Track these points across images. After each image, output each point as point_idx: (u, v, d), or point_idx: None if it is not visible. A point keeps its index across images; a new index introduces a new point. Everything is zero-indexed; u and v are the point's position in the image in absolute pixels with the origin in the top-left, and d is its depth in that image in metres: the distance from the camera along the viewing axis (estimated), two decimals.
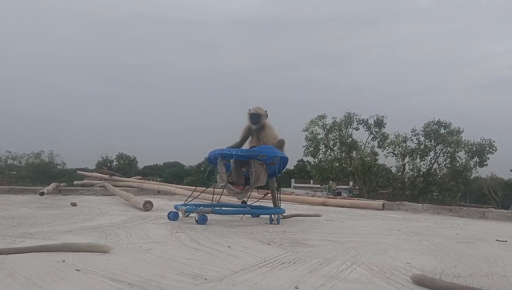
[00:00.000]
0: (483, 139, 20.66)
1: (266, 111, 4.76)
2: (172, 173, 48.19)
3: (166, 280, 1.90)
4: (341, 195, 17.27)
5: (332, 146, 22.54)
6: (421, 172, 21.03)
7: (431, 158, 21.46)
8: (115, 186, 9.17)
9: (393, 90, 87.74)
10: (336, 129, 22.33)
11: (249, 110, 4.74)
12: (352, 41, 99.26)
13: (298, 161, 42.13)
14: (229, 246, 2.84)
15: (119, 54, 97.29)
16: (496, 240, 3.71)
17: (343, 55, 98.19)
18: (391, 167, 21.90)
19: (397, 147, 21.39)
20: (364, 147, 22.44)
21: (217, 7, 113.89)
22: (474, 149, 20.52)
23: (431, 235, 3.92)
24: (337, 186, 24.20)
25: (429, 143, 21.34)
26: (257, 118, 4.67)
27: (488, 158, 20.64)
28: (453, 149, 20.81)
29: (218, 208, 4.30)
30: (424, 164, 21.40)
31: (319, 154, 22.72)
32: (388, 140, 21.83)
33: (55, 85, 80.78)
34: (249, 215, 4.63)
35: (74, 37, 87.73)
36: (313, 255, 2.63)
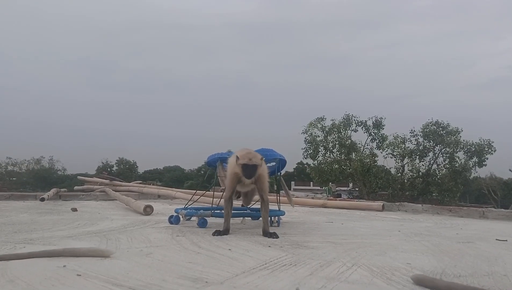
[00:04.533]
0: (482, 139, 20.73)
1: (262, 158, 3.68)
2: (173, 177, 48.20)
3: (167, 284, 1.91)
4: (341, 197, 17.28)
5: (331, 148, 22.60)
6: (420, 173, 21.08)
7: (430, 158, 21.56)
8: (115, 191, 9.16)
9: (392, 91, 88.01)
10: (335, 131, 22.39)
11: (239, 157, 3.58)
12: (350, 43, 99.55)
13: (298, 163, 42.18)
14: (229, 249, 2.85)
15: (118, 59, 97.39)
16: (496, 239, 3.71)
17: (341, 58, 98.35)
18: (390, 168, 22.01)
19: (396, 148, 21.47)
20: (363, 149, 22.49)
21: (215, 11, 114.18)
22: (473, 149, 20.58)
23: (431, 235, 3.92)
24: (337, 188, 24.23)
25: (428, 143, 21.41)
26: (253, 171, 3.58)
27: (487, 158, 20.70)
28: (452, 150, 20.86)
29: (218, 211, 4.30)
30: (423, 165, 21.50)
31: (319, 156, 22.78)
32: (387, 141, 21.90)
33: (55, 90, 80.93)
34: (249, 218, 4.63)
35: (73, 42, 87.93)
36: (313, 257, 2.64)
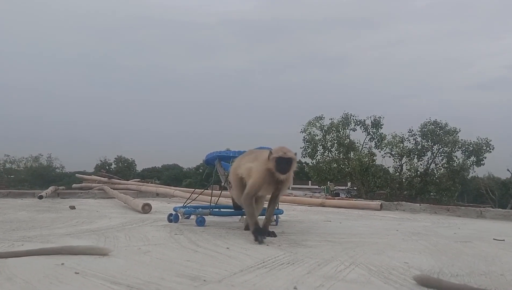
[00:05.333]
0: (480, 138, 20.75)
1: (295, 154, 3.47)
2: (171, 176, 48.13)
3: (165, 282, 1.91)
4: (339, 196, 17.29)
5: (329, 147, 22.58)
6: (418, 172, 21.09)
7: (428, 158, 21.54)
8: (113, 189, 9.16)
9: (391, 91, 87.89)
10: (334, 130, 22.37)
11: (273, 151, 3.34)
12: (349, 42, 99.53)
13: (296, 162, 42.06)
14: (228, 248, 2.85)
15: (117, 56, 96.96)
16: (494, 239, 3.72)
17: (340, 57, 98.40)
18: (388, 167, 21.98)
19: (394, 148, 21.45)
20: (362, 148, 22.49)
21: (214, 9, 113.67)
22: (471, 148, 20.59)
23: (429, 234, 3.93)
24: (335, 187, 24.25)
25: (426, 143, 21.42)
26: (288, 165, 3.36)
27: (485, 157, 20.70)
28: (450, 149, 20.87)
29: (217, 210, 4.31)
30: (421, 164, 21.48)
31: (317, 155, 22.76)
32: (386, 141, 21.88)
33: (54, 87, 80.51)
34: None
35: (72, 39, 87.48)
36: (311, 256, 2.64)
